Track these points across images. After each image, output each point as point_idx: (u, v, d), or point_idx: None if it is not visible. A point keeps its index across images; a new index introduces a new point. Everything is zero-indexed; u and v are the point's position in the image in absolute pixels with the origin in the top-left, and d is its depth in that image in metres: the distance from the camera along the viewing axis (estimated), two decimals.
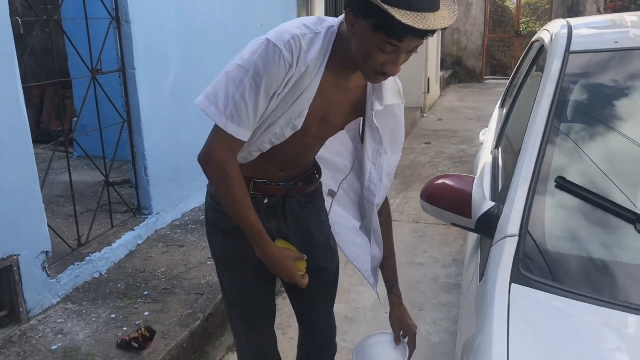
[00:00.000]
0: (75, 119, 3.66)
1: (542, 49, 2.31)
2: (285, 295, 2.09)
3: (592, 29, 2.23)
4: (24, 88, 2.52)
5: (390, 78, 1.55)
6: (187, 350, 2.57)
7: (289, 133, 1.59)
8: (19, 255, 2.53)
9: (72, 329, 2.60)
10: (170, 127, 3.72)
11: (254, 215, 1.59)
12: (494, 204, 1.66)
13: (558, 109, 1.72)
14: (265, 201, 1.76)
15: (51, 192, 4.27)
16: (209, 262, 3.24)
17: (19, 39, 2.56)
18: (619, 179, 1.55)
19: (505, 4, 15.79)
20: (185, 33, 3.80)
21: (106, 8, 3.20)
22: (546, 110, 1.70)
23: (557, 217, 1.47)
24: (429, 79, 9.44)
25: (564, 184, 1.49)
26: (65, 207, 3.84)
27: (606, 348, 1.13)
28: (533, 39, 3.05)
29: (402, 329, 1.88)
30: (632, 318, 1.16)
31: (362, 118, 1.74)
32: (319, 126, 1.64)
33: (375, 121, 1.66)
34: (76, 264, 2.97)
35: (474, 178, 1.72)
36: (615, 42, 1.87)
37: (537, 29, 15.85)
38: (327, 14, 6.48)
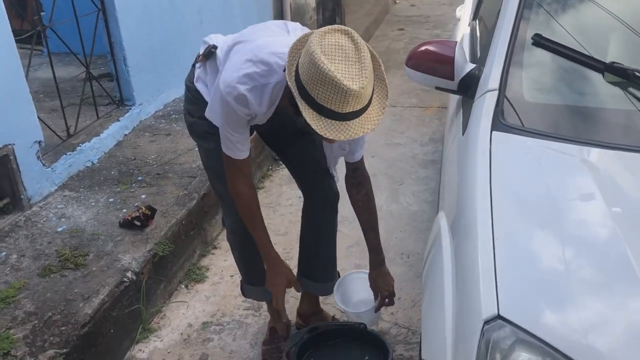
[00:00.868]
0: (42, 13, 3.55)
1: None
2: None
3: None
4: None
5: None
6: (186, 227, 2.74)
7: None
8: (14, 144, 2.60)
9: (74, 213, 2.73)
10: (144, 15, 3.66)
11: (267, 237, 1.94)
12: (474, 65, 1.78)
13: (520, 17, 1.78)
14: None
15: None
16: (196, 148, 3.33)
17: None
18: (589, 35, 1.67)
19: None
20: None
21: None
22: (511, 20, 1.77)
23: (533, 71, 1.60)
24: None
25: (539, 40, 1.61)
26: (46, 102, 3.84)
27: (579, 179, 1.30)
28: None
29: (378, 290, 2.07)
30: (597, 150, 1.32)
31: None
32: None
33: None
34: (68, 153, 3.04)
35: (456, 43, 1.82)
36: None
37: None
38: None
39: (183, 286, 2.71)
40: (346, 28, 1.42)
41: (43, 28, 3.02)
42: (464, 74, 1.76)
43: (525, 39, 1.64)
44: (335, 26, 1.44)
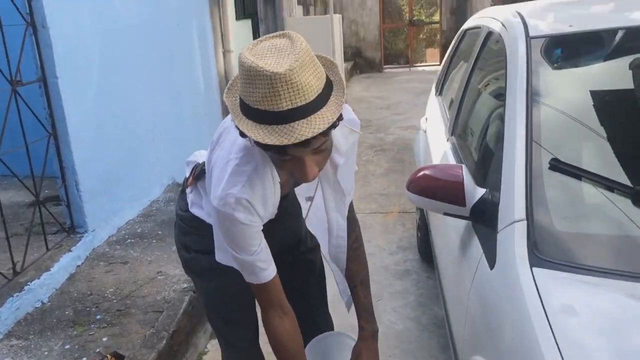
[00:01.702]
0: None
1: (491, 36, 2.39)
2: None
3: (540, 15, 2.34)
4: None
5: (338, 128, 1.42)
6: None
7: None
8: None
9: None
10: (98, 135, 3.48)
11: None
12: (484, 190, 1.70)
13: (533, 93, 1.78)
14: None
15: None
16: (159, 277, 3.08)
17: None
18: (608, 155, 1.63)
19: None
20: (104, 34, 3.57)
21: (20, 13, 2.92)
22: (523, 94, 1.75)
23: (558, 197, 1.52)
24: None
25: (557, 165, 1.55)
26: None
27: None
28: (465, 27, 3.15)
29: None
30: None
31: None
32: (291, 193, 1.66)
33: (337, 177, 1.61)
34: (15, 295, 2.71)
35: (461, 167, 1.75)
36: (570, 26, 1.97)
37: (423, 18, 16.57)
38: (237, 12, 6.36)
39: None
40: (289, 32, 1.24)
41: None
42: (475, 199, 1.67)
43: (542, 163, 1.58)
44: (278, 32, 1.28)
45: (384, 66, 14.56)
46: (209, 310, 1.82)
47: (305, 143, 1.18)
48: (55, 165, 3.24)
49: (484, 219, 1.64)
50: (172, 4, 4.67)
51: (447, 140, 2.52)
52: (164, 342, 2.54)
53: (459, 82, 2.74)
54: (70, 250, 3.18)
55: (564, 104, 1.83)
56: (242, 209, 1.37)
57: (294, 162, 1.27)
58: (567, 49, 1.98)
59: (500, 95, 2.04)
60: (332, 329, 2.02)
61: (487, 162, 1.85)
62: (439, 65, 13.83)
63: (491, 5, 8.97)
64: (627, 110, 1.80)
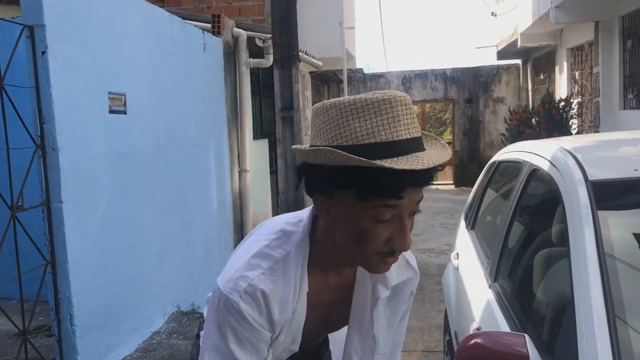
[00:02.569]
0: None
1: (536, 173, 2.17)
2: None
3: (594, 154, 2.13)
4: None
5: None
6: None
7: (286, 356, 1.27)
8: None
9: None
10: (100, 264, 3.23)
11: None
12: None
13: (602, 244, 1.52)
14: None
15: None
16: None
17: None
18: None
19: None
20: (115, 158, 3.43)
21: (30, 135, 2.78)
22: (594, 252, 1.49)
23: None
24: None
25: None
26: None
27: None
28: (500, 159, 2.97)
29: None
30: None
31: None
32: (321, 330, 1.33)
33: (374, 316, 1.27)
34: None
35: (525, 336, 1.45)
36: (635, 170, 1.75)
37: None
38: (254, 134, 6.34)
39: None
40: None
41: None
42: None
43: (629, 339, 1.28)
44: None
45: None
46: None
47: (423, 181, 1.02)
48: (51, 293, 2.96)
49: None
50: (190, 125, 4.60)
51: (490, 288, 2.23)
52: None
53: (499, 220, 2.49)
54: None
55: (635, 257, 1.56)
56: (251, 301, 1.09)
57: (395, 224, 1.04)
58: (632, 195, 1.74)
59: (555, 245, 1.78)
60: None
61: (552, 329, 1.55)
62: (452, 184, 13.86)
63: (506, 130, 9.00)
64: None
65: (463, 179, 13.39)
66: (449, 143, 15.52)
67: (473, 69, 13.91)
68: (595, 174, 1.76)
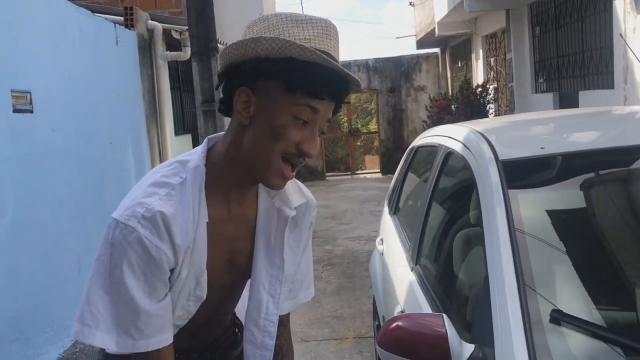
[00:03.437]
0: None
1: (451, 156, 2.22)
2: None
3: (505, 135, 2.20)
4: None
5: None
6: None
7: (194, 307, 1.22)
8: None
9: None
10: (9, 273, 3.04)
11: None
12: (472, 346, 1.41)
13: (512, 222, 1.56)
14: None
15: None
16: None
17: None
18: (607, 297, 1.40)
19: None
20: (22, 160, 3.23)
21: None
22: (505, 228, 1.53)
23: (563, 355, 1.25)
24: None
25: (560, 318, 1.29)
26: None
27: None
28: (417, 145, 3.02)
29: None
30: None
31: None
32: (227, 275, 1.28)
33: (284, 236, 1.27)
34: None
35: (443, 316, 1.46)
36: (542, 148, 1.81)
37: (359, 127, 17.05)
38: (176, 129, 6.17)
39: None
40: None
41: None
42: (464, 358, 1.38)
43: (539, 310, 1.32)
44: None
45: (327, 174, 14.63)
46: None
47: (340, 93, 1.10)
48: None
49: None
50: (105, 122, 4.41)
51: (412, 270, 2.26)
52: None
53: (419, 205, 2.53)
54: None
55: (549, 234, 1.62)
56: (151, 226, 1.06)
57: (307, 130, 1.10)
58: (539, 172, 1.80)
59: (473, 225, 1.82)
60: None
61: (470, 307, 1.58)
62: (379, 172, 14.11)
63: (428, 117, 9.24)
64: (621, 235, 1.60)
65: (389, 167, 13.63)
66: (374, 132, 15.78)
67: (394, 58, 14.16)
68: (505, 153, 1.81)
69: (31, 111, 3.34)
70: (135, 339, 1.10)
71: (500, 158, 1.78)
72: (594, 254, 1.57)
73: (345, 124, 16.01)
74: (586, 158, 1.81)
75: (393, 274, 2.60)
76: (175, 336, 1.23)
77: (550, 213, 1.74)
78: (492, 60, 9.78)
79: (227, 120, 5.67)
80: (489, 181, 1.71)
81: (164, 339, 1.14)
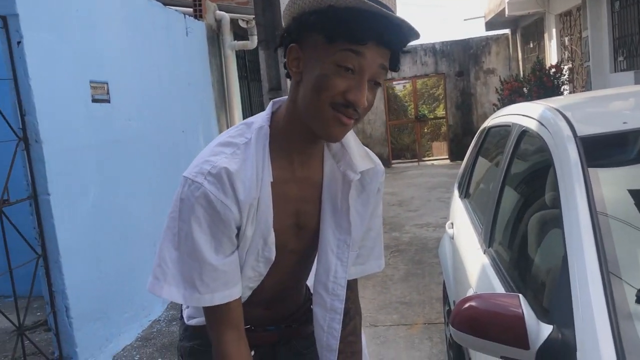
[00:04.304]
0: None
1: (525, 135, 2.14)
2: None
3: (584, 111, 2.10)
4: None
5: (353, 139, 1.26)
6: None
7: (264, 269, 1.23)
8: None
9: None
10: (92, 255, 3.20)
11: None
12: (550, 327, 1.36)
13: (593, 203, 1.49)
14: (252, 353, 1.34)
15: None
16: None
17: None
18: None
19: (394, 91, 16.63)
20: (101, 147, 3.38)
21: (11, 128, 2.73)
22: (585, 209, 1.46)
23: None
24: None
25: None
26: None
27: None
28: (489, 125, 2.93)
29: None
30: None
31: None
32: (295, 239, 1.28)
33: (349, 199, 1.26)
34: None
35: (519, 296, 1.42)
36: (624, 123, 1.71)
37: (426, 113, 16.75)
38: (244, 115, 6.28)
39: None
40: None
41: None
42: (541, 340, 1.33)
43: (625, 294, 1.26)
44: None
45: (392, 161, 14.50)
46: None
47: (387, 39, 1.06)
48: (44, 288, 2.94)
49: None
50: (177, 111, 4.55)
51: (485, 253, 2.20)
52: None
53: (491, 187, 2.46)
54: None
55: (633, 215, 1.54)
56: (216, 182, 1.09)
57: (354, 78, 1.07)
58: (622, 149, 1.71)
59: (549, 206, 1.76)
60: None
61: (548, 289, 1.52)
62: (448, 159, 13.85)
63: (498, 100, 8.95)
64: None
65: (458, 153, 13.34)
66: (442, 118, 15.47)
67: (462, 41, 13.80)
68: (584, 130, 1.73)
69: (108, 101, 3.49)
70: (201, 293, 1.13)
71: (579, 135, 1.70)
72: None
73: (412, 110, 15.78)
74: None
75: (464, 257, 2.54)
76: (249, 307, 1.26)
77: (634, 193, 1.64)
78: (566, 39, 9.34)
79: None
80: (567, 160, 1.64)
81: (230, 293, 1.16)
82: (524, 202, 2.11)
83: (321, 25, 1.05)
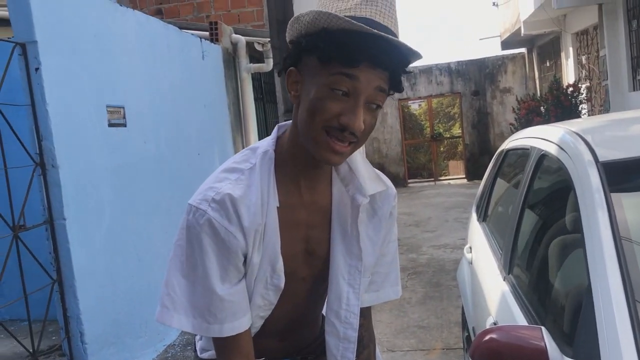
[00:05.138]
0: None
1: (544, 159, 2.10)
2: None
3: (604, 135, 2.05)
4: None
5: (362, 161, 1.24)
6: None
7: (274, 297, 1.20)
8: None
9: None
10: (107, 279, 3.19)
11: None
12: None
13: (617, 228, 1.44)
14: None
15: None
16: None
17: None
18: None
19: (410, 110, 16.62)
20: (117, 171, 3.40)
21: (29, 153, 2.75)
22: (608, 231, 1.42)
23: None
24: None
25: None
26: None
27: None
28: (507, 148, 2.89)
29: None
30: None
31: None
32: (305, 265, 1.25)
33: (359, 228, 1.22)
34: None
35: (541, 329, 1.37)
36: None
37: (441, 131, 16.68)
38: (259, 137, 6.29)
39: None
40: None
41: None
42: None
43: None
44: None
45: (409, 180, 14.43)
46: None
47: (380, 60, 1.03)
48: (59, 312, 2.93)
49: None
50: (192, 134, 4.57)
51: (504, 280, 2.15)
52: None
53: (510, 211, 2.41)
54: None
55: None
56: (220, 209, 1.08)
57: (348, 102, 1.05)
58: None
59: (570, 232, 1.71)
60: None
61: (571, 319, 1.47)
62: (464, 178, 13.74)
63: (515, 120, 8.88)
64: None
65: (475, 172, 13.25)
66: (458, 137, 15.39)
67: (478, 60, 13.78)
68: (605, 155, 1.68)
69: (125, 125, 3.51)
70: (209, 323, 1.11)
71: (601, 160, 1.66)
72: None
73: (428, 129, 15.74)
74: None
75: (483, 283, 2.49)
76: (262, 338, 1.24)
77: None
78: (583, 58, 9.28)
79: None
80: (589, 185, 1.59)
81: (239, 324, 1.14)
82: (543, 227, 2.06)
83: (315, 48, 1.04)
